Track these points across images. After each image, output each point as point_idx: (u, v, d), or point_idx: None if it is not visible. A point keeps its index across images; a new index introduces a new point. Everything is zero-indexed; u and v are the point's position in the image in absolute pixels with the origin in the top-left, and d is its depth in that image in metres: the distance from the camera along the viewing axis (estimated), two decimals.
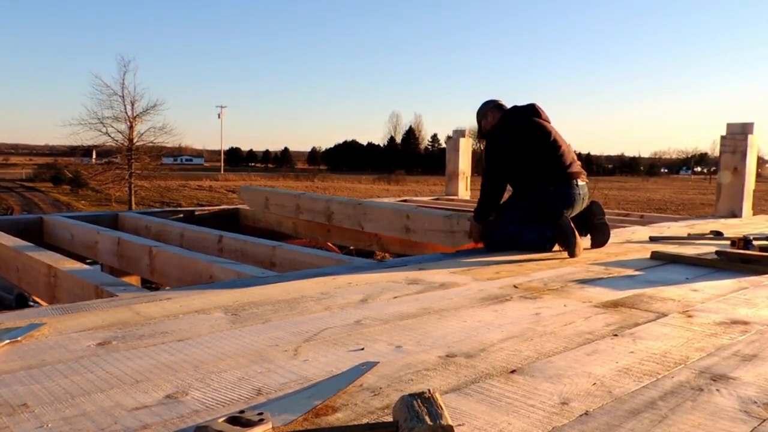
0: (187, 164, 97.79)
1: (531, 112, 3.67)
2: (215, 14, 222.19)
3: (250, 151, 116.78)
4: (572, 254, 3.22)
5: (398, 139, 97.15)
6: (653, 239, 4.02)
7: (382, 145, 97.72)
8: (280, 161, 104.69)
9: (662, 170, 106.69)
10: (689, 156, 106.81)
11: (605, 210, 3.72)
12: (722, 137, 5.98)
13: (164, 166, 42.49)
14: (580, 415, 1.23)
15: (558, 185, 3.48)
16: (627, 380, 1.43)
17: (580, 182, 3.53)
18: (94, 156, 45.14)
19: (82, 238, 4.73)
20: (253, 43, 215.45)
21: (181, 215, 6.20)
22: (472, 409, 1.25)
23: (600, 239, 3.60)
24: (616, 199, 33.97)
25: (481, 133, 3.84)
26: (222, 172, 66.63)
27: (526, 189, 3.56)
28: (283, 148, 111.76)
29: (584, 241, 3.48)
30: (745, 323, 1.99)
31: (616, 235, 4.13)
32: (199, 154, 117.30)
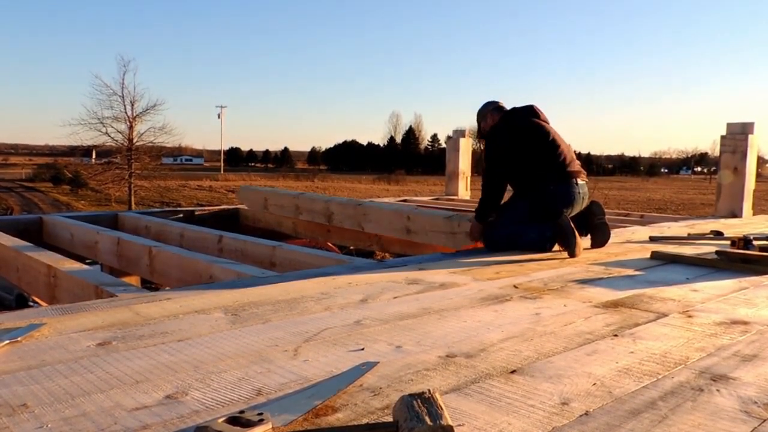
0: (187, 164, 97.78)
1: (530, 113, 3.68)
2: (215, 14, 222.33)
3: (250, 151, 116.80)
4: (572, 254, 3.22)
5: (398, 139, 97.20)
6: (653, 239, 4.02)
7: (382, 145, 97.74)
8: (280, 161, 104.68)
9: (662, 170, 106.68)
10: (689, 156, 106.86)
11: (605, 210, 3.72)
12: (722, 137, 5.98)
13: (164, 166, 42.48)
14: (580, 416, 1.23)
15: (557, 184, 3.48)
16: (627, 380, 1.43)
17: (580, 181, 3.54)
18: (93, 156, 45.19)
19: (81, 238, 4.73)
20: (253, 43, 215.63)
21: (181, 215, 6.20)
22: (472, 409, 1.25)
23: (600, 239, 3.60)
24: (616, 199, 33.97)
25: (481, 134, 3.85)
26: (222, 172, 66.64)
27: (526, 189, 3.57)
28: (283, 148, 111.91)
29: (584, 241, 3.48)
30: (745, 323, 1.99)
31: (616, 235, 4.13)
32: (199, 154, 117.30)
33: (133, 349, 1.59)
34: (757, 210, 6.47)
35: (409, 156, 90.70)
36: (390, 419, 1.14)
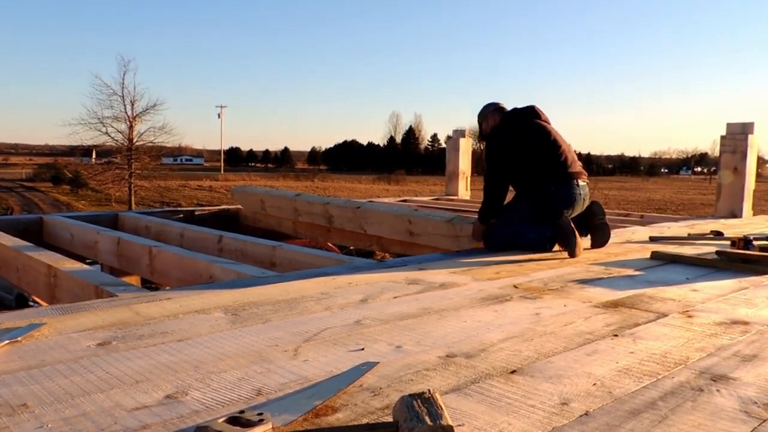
0: (187, 164, 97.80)
1: (531, 113, 3.68)
2: (215, 14, 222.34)
3: (250, 151, 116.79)
4: (572, 254, 3.22)
5: (398, 139, 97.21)
6: (653, 239, 4.02)
7: (382, 145, 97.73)
8: (280, 161, 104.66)
9: (662, 170, 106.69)
10: (689, 156, 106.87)
11: (605, 210, 3.72)
12: (722, 137, 5.98)
13: (164, 166, 42.52)
14: (580, 416, 1.23)
15: (558, 185, 3.48)
16: (627, 380, 1.43)
17: (581, 182, 3.53)
18: (93, 156, 45.19)
19: (82, 238, 4.73)
20: (253, 43, 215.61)
21: (181, 215, 6.19)
22: (472, 409, 1.25)
23: (600, 239, 3.60)
24: (616, 199, 33.97)
25: (482, 136, 3.84)
26: (222, 172, 66.65)
27: (527, 189, 3.57)
28: (283, 148, 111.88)
29: (584, 241, 3.48)
30: (745, 323, 1.99)
31: (616, 235, 4.13)
32: (199, 154, 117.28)
33: (133, 349, 1.59)
34: (757, 210, 6.47)
35: (409, 156, 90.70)
36: (390, 419, 1.14)
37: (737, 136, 5.86)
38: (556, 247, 3.39)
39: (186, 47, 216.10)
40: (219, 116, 71.31)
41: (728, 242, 3.66)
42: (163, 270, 3.66)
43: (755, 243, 3.39)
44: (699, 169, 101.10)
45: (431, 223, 4.42)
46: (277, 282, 2.52)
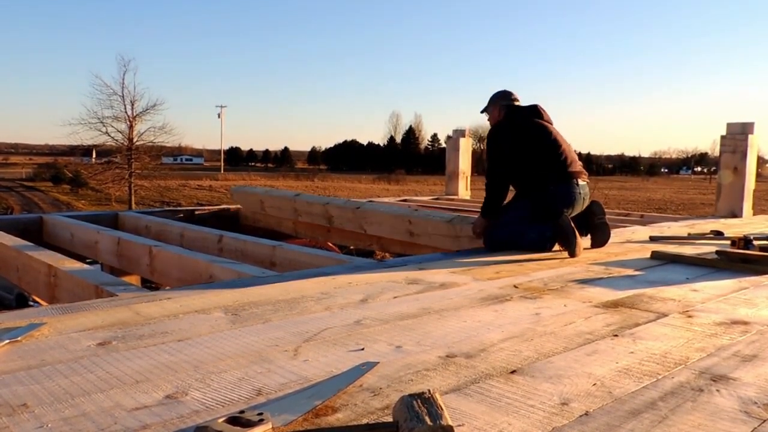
0: (187, 164, 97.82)
1: (533, 112, 3.69)
2: (215, 14, 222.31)
3: (250, 151, 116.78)
4: (572, 254, 3.22)
5: (398, 138, 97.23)
6: (653, 239, 4.02)
7: (382, 145, 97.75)
8: (280, 161, 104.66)
9: (662, 170, 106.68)
10: (689, 156, 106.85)
11: (605, 210, 3.72)
12: (722, 137, 5.98)
13: (164, 166, 42.51)
14: (580, 416, 1.23)
15: (558, 184, 3.48)
16: (627, 380, 1.43)
17: (581, 182, 3.54)
18: (94, 155, 45.16)
19: (82, 237, 4.73)
20: (253, 43, 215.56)
21: (181, 215, 6.19)
22: (472, 409, 1.25)
23: (600, 239, 3.60)
24: (616, 198, 33.97)
25: (485, 110, 3.86)
26: (222, 171, 66.67)
27: (527, 189, 3.58)
28: (283, 147, 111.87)
29: (584, 241, 3.48)
30: (746, 323, 1.99)
31: (616, 234, 4.13)
32: (199, 153, 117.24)
33: (133, 348, 1.59)
34: (757, 210, 6.47)
35: (409, 156, 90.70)
36: (390, 419, 1.14)
37: (737, 136, 5.85)
38: (556, 247, 3.39)
39: (186, 47, 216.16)
40: (219, 116, 71.38)
41: (728, 242, 3.66)
42: (163, 270, 3.66)
43: (755, 243, 3.39)
44: (699, 169, 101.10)
45: (431, 223, 4.42)
46: (277, 282, 2.52)
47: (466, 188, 8.25)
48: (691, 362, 1.59)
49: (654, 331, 1.88)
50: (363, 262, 3.15)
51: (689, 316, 2.07)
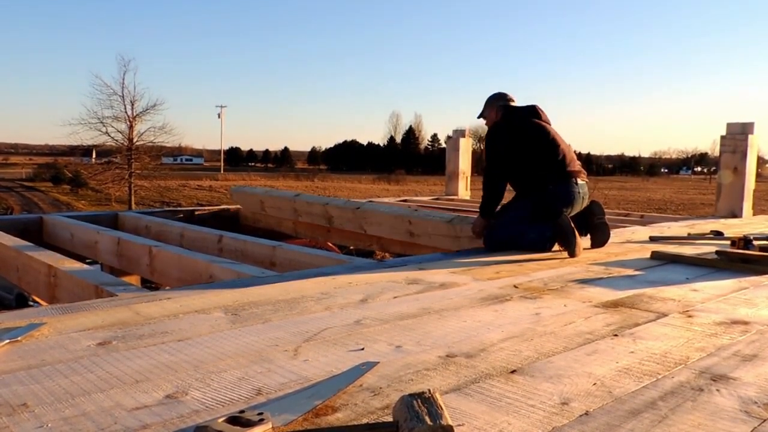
0: (187, 164, 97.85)
1: (531, 113, 3.69)
2: (215, 14, 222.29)
3: (250, 151, 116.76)
4: (572, 254, 3.22)
5: (398, 139, 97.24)
6: (653, 239, 4.02)
7: (382, 145, 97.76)
8: (280, 161, 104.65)
9: (662, 170, 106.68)
10: (689, 156, 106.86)
11: (605, 210, 3.72)
12: (722, 137, 5.98)
13: (164, 166, 42.54)
14: (580, 415, 1.23)
15: (557, 184, 3.49)
16: (627, 380, 1.43)
17: (580, 181, 3.54)
18: (93, 156, 45.18)
19: (82, 237, 4.73)
20: (253, 43, 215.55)
21: (181, 215, 6.19)
22: (472, 409, 1.25)
23: (600, 239, 3.60)
24: (616, 199, 33.98)
25: (482, 115, 3.86)
26: (222, 171, 66.68)
27: (526, 189, 3.59)
28: (283, 148, 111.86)
29: (584, 241, 3.48)
30: (745, 323, 1.99)
31: (616, 235, 4.13)
32: (199, 153, 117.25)
33: (133, 348, 1.59)
34: (757, 210, 6.47)
35: (409, 156, 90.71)
36: (390, 419, 1.14)
37: (737, 136, 5.86)
38: (556, 247, 3.40)
39: (186, 47, 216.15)
40: (219, 116, 71.38)
41: (728, 242, 3.66)
42: (163, 270, 3.66)
43: (755, 243, 3.39)
44: (699, 169, 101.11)
45: (431, 223, 4.42)
46: (277, 282, 2.52)
47: (466, 188, 8.25)
48: (691, 362, 1.59)
49: (654, 330, 1.88)
50: (363, 262, 3.15)
51: (689, 316, 2.07)
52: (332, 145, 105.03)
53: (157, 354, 1.55)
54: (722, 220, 5.48)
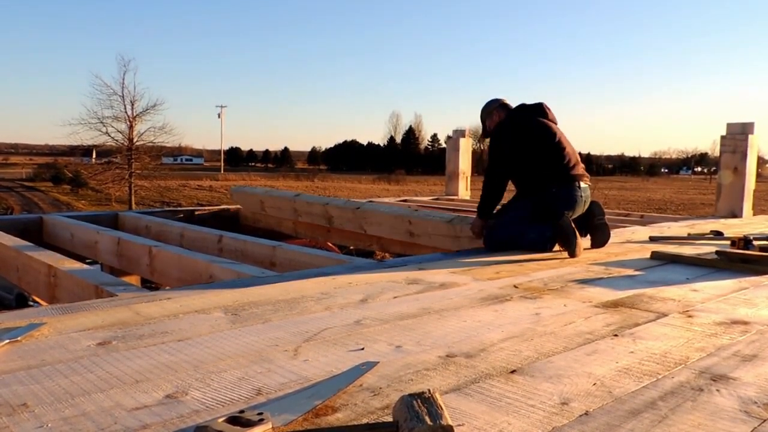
0: (187, 164, 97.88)
1: (538, 111, 3.66)
2: (215, 14, 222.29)
3: (250, 151, 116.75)
4: (572, 254, 3.22)
5: (398, 139, 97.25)
6: (653, 239, 4.02)
7: (382, 145, 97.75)
8: (280, 161, 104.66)
9: (662, 170, 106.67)
10: (689, 156, 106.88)
11: (605, 210, 3.72)
12: (722, 137, 5.98)
13: (164, 166, 42.56)
14: (580, 415, 1.23)
15: (560, 187, 3.47)
16: (627, 380, 1.43)
17: (583, 184, 3.53)
18: (94, 156, 45.20)
19: (82, 237, 4.73)
20: (253, 43, 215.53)
21: (181, 215, 6.19)
22: (472, 409, 1.25)
23: (600, 239, 3.60)
24: (616, 199, 33.98)
25: (486, 133, 3.80)
26: (222, 171, 66.67)
27: (529, 189, 3.57)
28: (283, 148, 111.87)
29: (584, 241, 3.48)
30: (745, 323, 1.99)
31: (616, 235, 4.13)
32: (199, 153, 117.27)
33: (133, 348, 1.59)
34: (757, 210, 6.47)
35: (409, 156, 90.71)
36: (390, 419, 1.14)
37: (737, 136, 5.86)
38: (556, 247, 3.39)
39: (186, 47, 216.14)
40: (219, 116, 71.39)
41: (728, 242, 3.66)
42: (163, 270, 3.66)
43: (755, 243, 3.39)
44: (699, 169, 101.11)
45: (431, 223, 4.42)
46: (277, 282, 2.52)
47: (466, 188, 8.25)
48: (691, 362, 1.59)
49: (654, 331, 1.88)
50: (363, 262, 3.15)
51: (689, 316, 2.07)
52: (332, 145, 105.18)
53: (157, 354, 1.55)
54: (722, 220, 5.48)
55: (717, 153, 6.50)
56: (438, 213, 4.83)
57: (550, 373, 1.47)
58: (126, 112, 28.82)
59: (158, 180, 35.72)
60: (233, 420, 1.10)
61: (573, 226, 3.27)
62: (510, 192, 3.67)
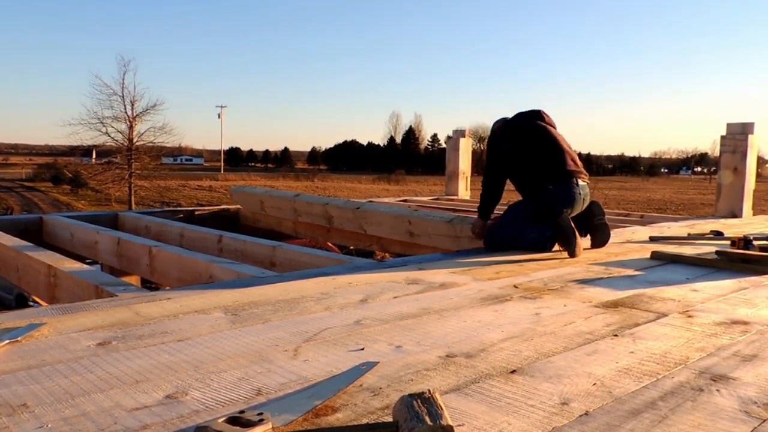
0: (187, 164, 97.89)
1: (535, 115, 3.74)
2: (215, 14, 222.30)
3: (250, 151, 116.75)
4: (572, 254, 3.22)
5: (398, 139, 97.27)
6: (653, 239, 4.02)
7: (382, 145, 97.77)
8: (280, 161, 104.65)
9: (662, 170, 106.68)
10: (689, 156, 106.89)
11: (605, 210, 3.73)
12: (722, 137, 5.98)
13: (164, 166, 42.60)
14: (580, 416, 1.23)
15: (558, 184, 3.49)
16: (627, 380, 1.43)
17: (581, 182, 3.54)
18: (93, 156, 45.20)
19: (81, 238, 4.73)
20: (253, 43, 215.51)
21: (181, 215, 6.19)
22: (472, 409, 1.25)
23: (600, 239, 3.61)
24: (616, 199, 33.99)
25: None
26: (222, 172, 66.68)
27: (527, 189, 3.60)
28: (283, 148, 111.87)
29: (584, 241, 3.48)
30: (745, 323, 1.99)
31: (616, 235, 4.13)
32: (199, 153, 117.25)
33: (133, 348, 1.59)
34: (757, 210, 6.47)
35: (409, 156, 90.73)
36: (390, 419, 1.14)
37: (737, 136, 5.86)
38: (556, 247, 3.40)
39: (186, 47, 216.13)
40: (219, 116, 71.41)
41: (728, 242, 3.66)
42: (163, 270, 3.66)
43: (755, 243, 3.39)
44: (699, 169, 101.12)
45: (431, 223, 4.42)
46: (277, 282, 2.52)
47: (466, 188, 8.26)
48: (691, 362, 1.59)
49: (654, 331, 1.88)
50: (363, 263, 3.15)
51: (689, 316, 2.07)
52: (332, 145, 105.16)
53: (157, 354, 1.55)
54: (722, 220, 5.48)
55: (717, 153, 6.50)
56: (438, 213, 4.83)
57: (550, 373, 1.47)
58: (126, 112, 28.87)
59: (158, 180, 35.74)
60: (233, 420, 1.10)
61: (572, 225, 3.28)
62: (510, 192, 3.70)
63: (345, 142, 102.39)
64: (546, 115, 3.75)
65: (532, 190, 3.56)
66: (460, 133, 8.17)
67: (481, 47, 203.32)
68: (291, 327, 1.82)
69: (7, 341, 1.59)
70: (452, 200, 7.78)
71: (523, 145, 3.59)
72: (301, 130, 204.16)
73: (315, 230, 5.89)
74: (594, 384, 1.40)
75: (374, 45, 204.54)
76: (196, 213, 6.40)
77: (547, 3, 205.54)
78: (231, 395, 1.29)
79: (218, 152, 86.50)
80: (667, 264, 3.13)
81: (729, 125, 5.93)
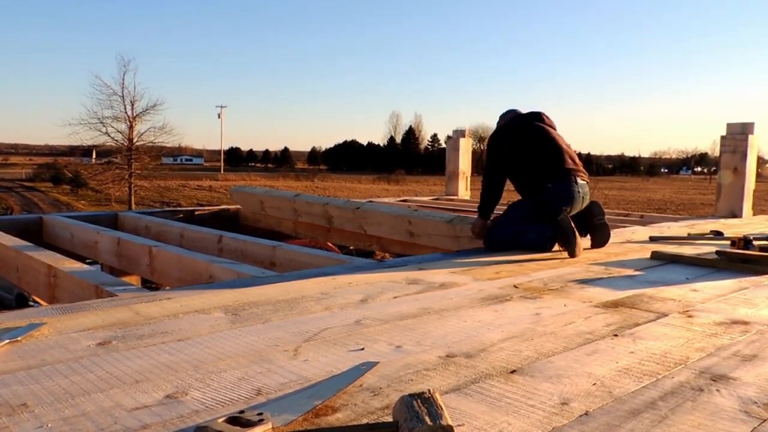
0: (187, 164, 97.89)
1: (534, 117, 3.76)
2: (215, 14, 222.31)
3: (250, 151, 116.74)
4: (572, 254, 3.22)
5: (398, 139, 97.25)
6: (653, 239, 4.02)
7: (382, 145, 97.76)
8: (280, 161, 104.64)
9: (662, 170, 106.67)
10: (689, 156, 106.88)
11: (605, 210, 3.73)
12: (722, 137, 5.98)
13: (164, 166, 42.59)
14: (580, 416, 1.23)
15: (556, 183, 3.50)
16: (627, 380, 1.43)
17: (580, 180, 3.55)
18: (93, 156, 45.21)
19: (81, 238, 4.73)
20: (253, 43, 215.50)
21: (181, 215, 6.19)
22: (472, 409, 1.25)
23: (600, 239, 3.61)
24: (616, 199, 33.99)
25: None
26: (222, 172, 66.68)
27: (527, 189, 3.61)
28: (283, 148, 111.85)
29: (584, 241, 3.48)
30: (745, 323, 1.99)
31: (616, 235, 4.13)
32: (198, 153, 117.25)
33: (133, 348, 1.59)
34: (757, 210, 6.47)
35: (409, 156, 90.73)
36: (390, 419, 1.14)
37: (737, 136, 5.86)
38: (556, 247, 3.40)
39: (186, 47, 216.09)
40: (219, 116, 71.39)
41: (728, 242, 3.66)
42: (163, 270, 3.66)
43: (755, 243, 3.39)
44: (699, 169, 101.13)
45: (431, 223, 4.42)
46: (277, 282, 2.52)
47: (466, 188, 8.26)
48: (691, 362, 1.59)
49: (654, 331, 1.88)
50: (363, 262, 3.15)
51: (689, 316, 2.07)
52: (332, 146, 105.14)
53: (157, 354, 1.55)
54: (722, 220, 5.48)
55: (717, 153, 6.50)
56: (438, 213, 4.84)
57: (550, 373, 1.47)
58: (126, 112, 28.86)
59: (158, 180, 35.73)
60: (233, 420, 1.10)
61: (572, 224, 3.28)
62: (510, 192, 3.71)
63: (345, 142, 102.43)
64: (546, 116, 3.77)
65: (531, 190, 3.56)
66: (460, 133, 8.17)
67: (481, 47, 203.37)
68: (291, 327, 1.82)
69: (7, 341, 1.59)
70: (452, 200, 7.78)
71: (522, 145, 3.60)
72: (301, 130, 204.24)
73: (315, 230, 5.88)
74: (594, 384, 1.40)
75: (374, 45, 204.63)
76: (196, 213, 6.40)
77: (547, 3, 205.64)
78: (231, 395, 1.29)
79: (218, 152, 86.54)
80: (667, 264, 3.13)
81: (729, 125, 5.93)
